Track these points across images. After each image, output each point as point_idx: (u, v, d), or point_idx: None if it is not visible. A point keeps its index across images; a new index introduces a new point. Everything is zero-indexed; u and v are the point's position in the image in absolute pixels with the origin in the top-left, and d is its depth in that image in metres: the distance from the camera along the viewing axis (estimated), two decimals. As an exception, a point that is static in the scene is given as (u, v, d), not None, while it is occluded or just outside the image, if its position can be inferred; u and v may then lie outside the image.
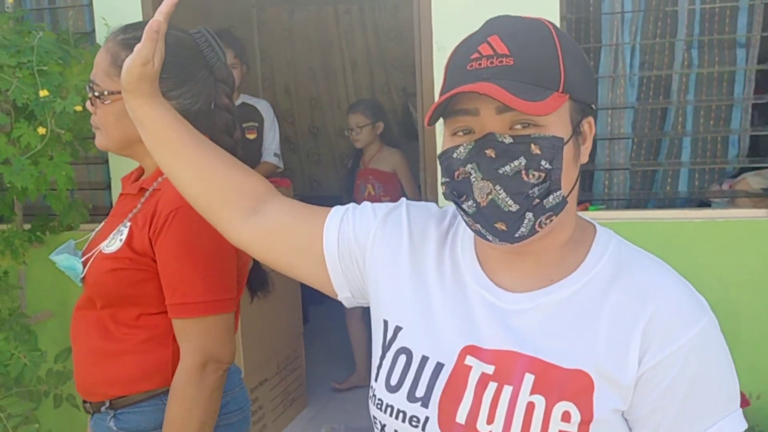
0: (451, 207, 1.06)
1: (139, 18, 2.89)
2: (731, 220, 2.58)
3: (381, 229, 1.07)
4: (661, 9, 2.68)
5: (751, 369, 2.53)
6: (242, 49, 3.65)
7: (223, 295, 1.47)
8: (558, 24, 2.60)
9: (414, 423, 0.94)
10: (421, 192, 2.91)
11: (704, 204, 2.75)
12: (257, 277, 1.70)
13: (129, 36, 1.51)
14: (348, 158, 5.79)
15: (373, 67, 5.59)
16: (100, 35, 2.89)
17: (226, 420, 1.60)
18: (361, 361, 4.06)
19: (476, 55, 0.91)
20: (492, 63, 0.90)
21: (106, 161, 3.07)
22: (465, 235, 1.04)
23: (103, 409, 1.55)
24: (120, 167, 2.99)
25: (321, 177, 5.89)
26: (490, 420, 0.91)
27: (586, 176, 2.83)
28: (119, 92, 1.45)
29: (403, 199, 1.15)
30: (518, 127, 0.90)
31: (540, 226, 0.92)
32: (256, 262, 1.68)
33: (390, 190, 3.92)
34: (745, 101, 2.64)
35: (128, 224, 1.51)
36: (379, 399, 0.99)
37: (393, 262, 1.05)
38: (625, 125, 2.78)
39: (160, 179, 1.53)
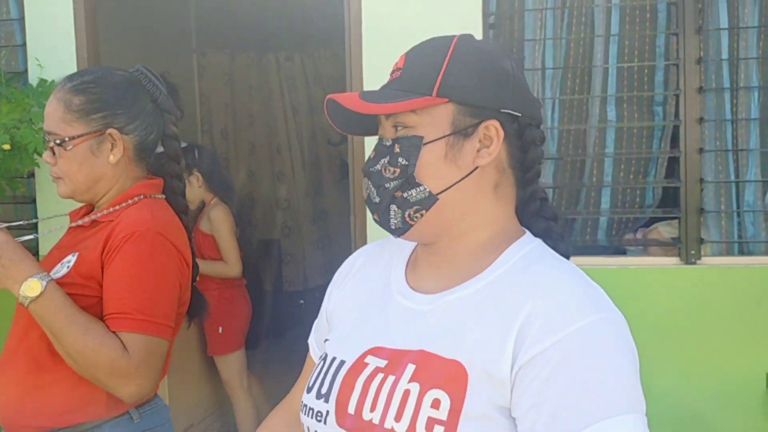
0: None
1: (73, 59, 2.91)
2: (644, 268, 2.71)
3: (329, 295, 1.20)
4: (579, 66, 2.84)
5: (660, 412, 2.62)
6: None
7: (163, 320, 1.50)
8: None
9: (318, 418, 1.01)
10: (352, 234, 2.96)
11: (620, 251, 2.88)
12: (196, 302, 1.73)
13: (77, 82, 1.61)
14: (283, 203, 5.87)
15: (314, 114, 5.69)
16: (33, 75, 2.90)
17: None
18: None
19: (392, 68, 1.05)
20: (392, 77, 1.04)
21: (34, 200, 3.04)
22: (401, 256, 1.13)
23: None
24: (47, 206, 2.98)
25: (257, 221, 5.90)
26: (373, 408, 0.95)
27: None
28: (80, 136, 1.54)
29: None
30: (399, 128, 1.00)
31: (411, 219, 1.00)
32: (194, 288, 1.72)
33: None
34: (660, 155, 2.80)
35: (76, 254, 1.55)
36: (303, 403, 1.06)
37: (341, 296, 1.17)
38: (546, 175, 2.90)
39: (113, 208, 1.58)
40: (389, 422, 0.92)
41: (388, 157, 1.00)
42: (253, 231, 5.62)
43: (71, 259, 1.56)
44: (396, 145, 0.99)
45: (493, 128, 0.99)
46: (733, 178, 2.71)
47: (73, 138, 1.57)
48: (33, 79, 2.88)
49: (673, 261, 2.71)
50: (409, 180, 0.98)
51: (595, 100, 2.84)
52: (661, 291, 2.68)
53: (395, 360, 0.98)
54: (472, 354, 0.92)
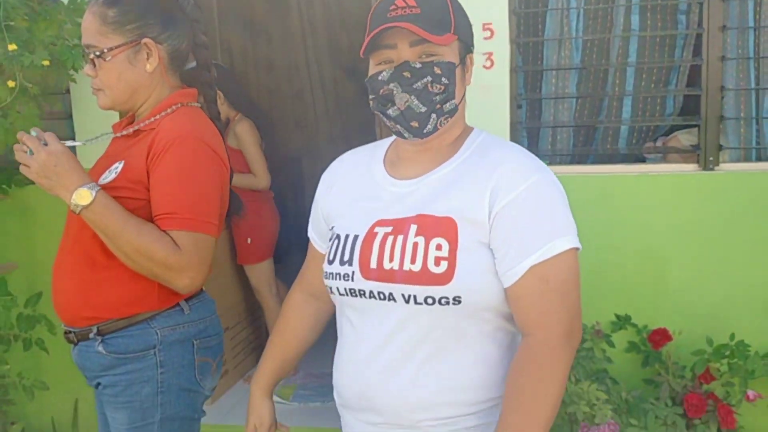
0: (362, 147, 1.52)
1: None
2: (663, 174, 2.79)
3: (323, 197, 1.52)
4: (604, -24, 2.86)
5: (676, 309, 2.77)
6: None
7: (208, 218, 1.61)
8: (508, -12, 2.77)
9: (346, 278, 1.34)
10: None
11: (640, 160, 2.97)
12: (232, 202, 1.85)
13: None
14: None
15: (333, 29, 5.67)
16: (65, -9, 2.94)
17: (206, 343, 1.76)
18: None
19: (394, 6, 1.28)
20: (405, 12, 1.27)
21: (70, 116, 3.14)
22: (378, 155, 1.46)
23: (90, 335, 1.68)
24: (83, 122, 3.08)
25: (278, 139, 5.98)
26: (392, 259, 1.28)
27: (533, 133, 3.01)
28: (117, 47, 1.62)
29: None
30: (424, 56, 1.28)
31: (440, 124, 1.32)
32: (230, 190, 1.84)
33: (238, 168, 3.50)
34: (683, 63, 2.84)
35: (122, 162, 1.65)
36: (327, 272, 1.39)
37: (334, 195, 1.48)
38: (570, 85, 2.96)
39: (154, 118, 1.68)
40: (407, 266, 1.26)
41: (430, 77, 1.28)
42: (275, 149, 5.71)
43: (118, 166, 1.67)
44: (435, 68, 1.28)
45: (469, 59, 1.36)
46: (753, 85, 2.76)
47: (111, 49, 1.66)
48: (64, -6, 2.93)
49: (691, 167, 2.80)
50: (449, 95, 1.30)
51: (620, 9, 2.86)
52: (680, 196, 2.77)
53: (398, 225, 1.31)
54: (458, 210, 1.28)
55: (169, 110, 1.69)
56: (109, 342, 1.67)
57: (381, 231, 1.32)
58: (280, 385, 3.69)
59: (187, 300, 1.74)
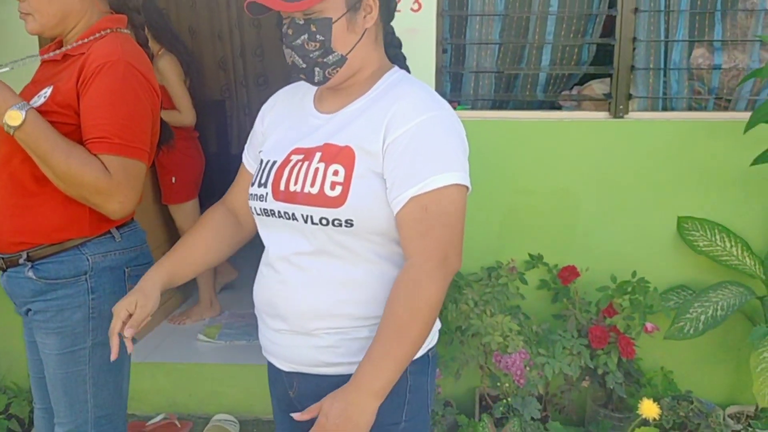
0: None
1: None
2: (577, 121, 2.94)
3: (260, 122, 1.62)
4: (528, -75, 2.93)
5: (585, 248, 2.96)
6: None
7: (139, 144, 1.63)
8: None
9: (261, 199, 1.46)
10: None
11: (556, 107, 3.10)
12: (163, 131, 1.86)
13: None
14: None
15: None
16: None
17: (137, 272, 1.79)
18: (206, 293, 3.90)
19: None
20: None
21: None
22: (309, 90, 1.55)
23: (20, 261, 1.69)
24: (2, 48, 2.97)
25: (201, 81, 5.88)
26: (296, 182, 1.39)
27: (457, 77, 3.10)
28: None
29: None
30: (306, 13, 1.37)
31: (329, 74, 1.42)
32: (161, 120, 1.85)
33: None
34: (599, 14, 2.97)
35: (51, 86, 1.64)
36: (250, 193, 1.50)
37: (270, 124, 1.58)
38: (493, 33, 3.04)
39: (82, 41, 1.66)
40: (307, 188, 1.37)
41: (306, 35, 1.37)
42: (199, 90, 5.62)
43: (47, 91, 1.66)
44: (311, 25, 1.37)
45: (370, 2, 1.41)
46: (663, 37, 2.92)
47: None
48: None
49: (603, 115, 2.95)
50: (327, 50, 1.39)
51: (542, -41, 2.95)
52: (592, 142, 2.92)
53: (308, 154, 1.42)
54: (356, 139, 1.38)
55: (98, 35, 1.68)
56: (39, 267, 1.68)
57: (295, 158, 1.43)
58: (205, 325, 3.74)
59: (118, 228, 1.77)
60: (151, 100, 1.70)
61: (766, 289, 2.82)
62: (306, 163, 1.40)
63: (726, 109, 2.97)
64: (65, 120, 1.62)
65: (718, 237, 2.88)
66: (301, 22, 1.37)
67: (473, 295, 2.78)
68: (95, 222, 1.71)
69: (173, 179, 3.68)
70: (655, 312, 2.78)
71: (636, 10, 2.86)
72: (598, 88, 3.03)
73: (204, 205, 3.86)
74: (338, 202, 1.34)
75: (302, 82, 1.55)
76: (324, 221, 1.36)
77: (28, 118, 1.55)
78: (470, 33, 3.03)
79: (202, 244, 1.61)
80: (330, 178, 1.35)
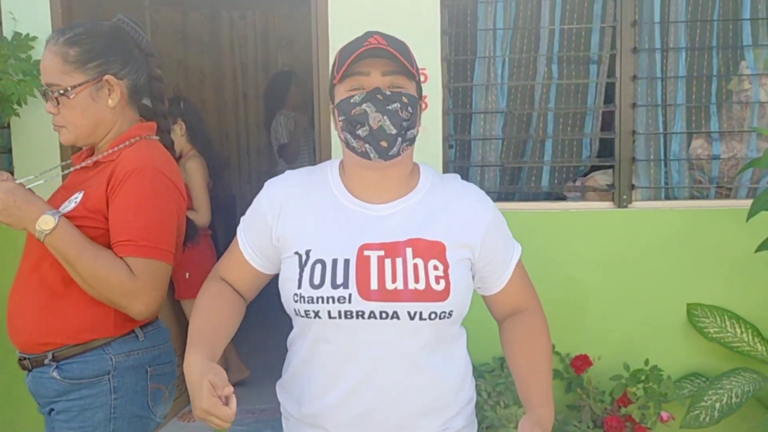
0: (306, 168, 1.58)
1: (46, 10, 3.00)
2: (582, 211, 3.02)
3: (275, 219, 1.49)
4: (527, 28, 3.10)
5: (596, 337, 2.97)
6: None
7: (164, 245, 1.69)
8: (439, 37, 2.96)
9: (342, 300, 1.38)
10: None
11: (561, 198, 3.19)
12: (188, 230, 1.92)
13: (70, 35, 1.75)
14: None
15: (260, 72, 5.81)
16: (7, 29, 2.99)
17: (159, 370, 1.81)
18: (233, 357, 3.98)
19: (367, 43, 1.39)
20: (380, 47, 1.38)
21: (9, 151, 3.14)
22: (332, 179, 1.51)
23: (45, 361, 1.72)
24: (22, 157, 3.09)
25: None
26: (394, 280, 1.38)
27: (463, 171, 3.19)
28: (80, 84, 1.70)
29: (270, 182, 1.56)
30: (393, 87, 1.40)
31: (403, 150, 1.42)
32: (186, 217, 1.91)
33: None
34: (596, 110, 3.09)
35: (82, 192, 1.71)
36: (309, 296, 1.39)
37: (290, 217, 1.48)
38: (496, 128, 3.16)
39: (113, 150, 1.75)
40: (411, 285, 1.38)
41: (398, 104, 1.39)
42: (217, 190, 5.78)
43: (78, 197, 1.73)
44: (403, 97, 1.39)
45: (423, 103, 1.55)
46: (661, 130, 3.03)
47: (74, 87, 1.72)
48: (7, 32, 2.97)
49: (607, 205, 3.03)
50: (413, 123, 1.42)
51: (541, 59, 3.10)
52: (597, 231, 2.99)
53: (390, 249, 1.41)
54: (446, 234, 1.44)
55: (128, 143, 1.76)
56: (63, 368, 1.71)
57: (373, 254, 1.40)
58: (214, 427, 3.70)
59: (141, 327, 1.80)
60: (177, 203, 1.77)
61: (779, 374, 2.82)
62: (399, 260, 1.39)
63: (728, 197, 3.05)
64: (94, 224, 1.68)
65: (728, 323, 2.89)
66: (389, 92, 1.39)
67: (486, 387, 2.78)
68: (120, 322, 1.74)
69: (187, 275, 3.73)
70: (669, 401, 2.77)
71: (634, 104, 2.97)
72: (600, 179, 3.12)
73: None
74: (444, 295, 1.39)
75: (302, 174, 1.53)
76: (433, 315, 1.38)
77: (59, 224, 1.62)
78: (474, 129, 3.15)
79: (226, 318, 1.51)
80: (432, 273, 1.39)
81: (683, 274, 2.96)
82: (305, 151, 4.82)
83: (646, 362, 2.83)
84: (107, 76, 1.74)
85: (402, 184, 1.48)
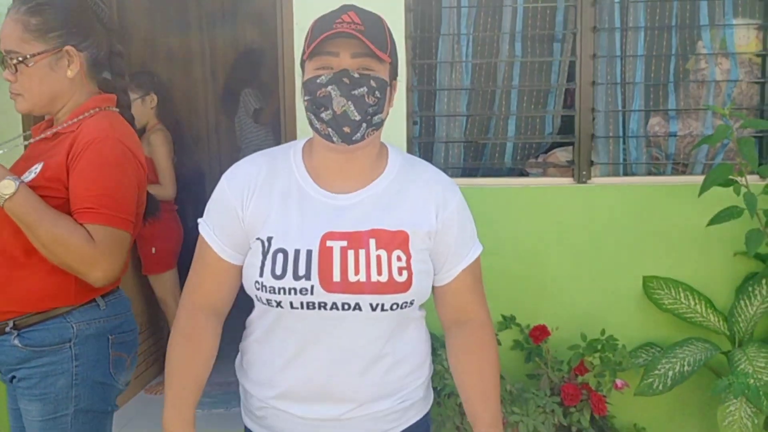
0: (267, 151, 1.54)
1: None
2: (543, 187, 3.08)
3: (242, 206, 1.46)
4: (490, 5, 3.13)
5: (555, 308, 3.05)
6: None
7: (124, 214, 1.71)
8: (403, 15, 2.99)
9: (304, 292, 1.38)
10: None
11: (523, 174, 3.25)
12: (149, 203, 1.94)
13: (32, 4, 1.76)
14: None
15: (228, 52, 5.78)
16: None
17: (121, 339, 1.85)
18: None
19: (340, 20, 1.35)
20: (351, 27, 1.34)
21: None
22: (296, 166, 1.48)
23: (7, 329, 1.74)
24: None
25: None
26: (357, 272, 1.38)
27: (428, 147, 3.24)
28: (40, 53, 1.71)
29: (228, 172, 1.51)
30: (362, 69, 1.36)
31: (367, 135, 1.40)
32: (147, 192, 1.93)
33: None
34: (558, 88, 3.15)
35: (42, 163, 1.73)
36: (270, 286, 1.39)
37: (254, 203, 1.45)
38: (461, 105, 3.21)
39: (72, 121, 1.76)
40: (374, 277, 1.38)
41: (365, 88, 1.35)
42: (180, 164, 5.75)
43: (37, 167, 1.75)
44: (371, 81, 1.36)
45: (394, 83, 1.46)
46: (620, 108, 3.10)
47: (33, 55, 1.74)
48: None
49: (567, 181, 3.10)
50: (379, 108, 1.39)
51: (505, 37, 3.14)
52: (557, 206, 3.05)
53: (353, 239, 1.40)
54: (409, 223, 1.44)
55: (87, 114, 1.78)
56: (24, 335, 1.73)
57: (336, 245, 1.39)
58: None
59: (103, 296, 1.83)
60: (137, 174, 1.79)
61: (730, 344, 2.92)
62: (362, 252, 1.39)
63: (684, 173, 3.13)
64: (54, 194, 1.70)
65: (682, 295, 2.99)
66: (357, 75, 1.34)
67: (447, 355, 2.84)
68: (81, 291, 1.77)
69: (153, 250, 3.74)
70: (624, 369, 2.86)
71: (593, 83, 3.04)
72: (561, 155, 3.18)
73: (183, 275, 3.92)
74: (406, 286, 1.40)
75: (266, 157, 1.49)
76: (395, 306, 1.40)
77: (19, 189, 1.64)
78: (439, 106, 3.19)
79: (205, 365, 1.50)
80: (395, 264, 1.39)
81: (640, 248, 3.04)
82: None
83: (602, 332, 2.92)
84: (67, 47, 1.76)
85: (368, 167, 1.46)
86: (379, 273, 1.38)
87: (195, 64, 5.90)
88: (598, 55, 3.04)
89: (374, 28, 1.37)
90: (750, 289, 2.91)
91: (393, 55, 1.42)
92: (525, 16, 3.14)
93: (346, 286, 1.38)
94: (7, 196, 1.63)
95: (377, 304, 1.39)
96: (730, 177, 2.68)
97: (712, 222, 2.72)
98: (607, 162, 3.10)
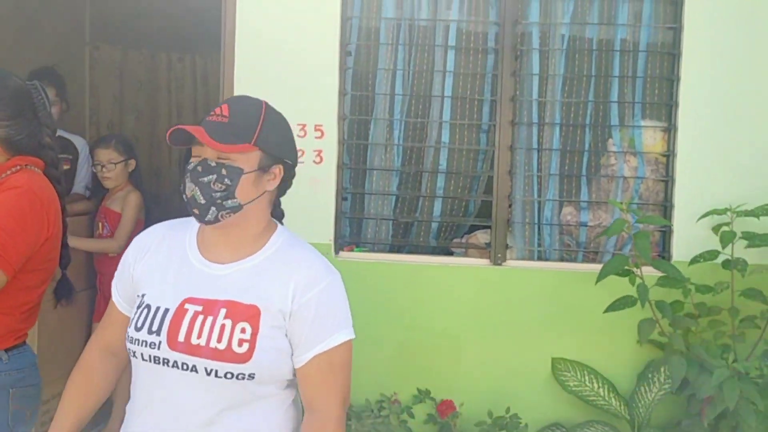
0: (175, 221, 1.70)
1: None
2: (461, 266, 3.26)
3: (133, 263, 1.64)
4: (421, 94, 3.36)
5: (468, 383, 3.18)
6: (63, 87, 3.89)
7: (9, 257, 1.80)
8: (337, 97, 3.21)
9: (153, 346, 1.51)
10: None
11: (448, 252, 3.42)
12: (63, 287, 2.06)
13: None
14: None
15: (198, 113, 6.00)
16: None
17: (22, 392, 1.94)
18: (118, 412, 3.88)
19: (215, 112, 1.55)
20: (217, 119, 1.53)
21: None
22: (189, 236, 1.64)
23: None
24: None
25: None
26: (200, 336, 1.49)
27: (356, 223, 3.41)
28: None
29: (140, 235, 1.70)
30: (219, 158, 1.51)
31: (222, 217, 1.52)
32: (64, 275, 2.05)
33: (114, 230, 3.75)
34: (482, 174, 3.35)
35: None
36: (131, 337, 1.55)
37: (144, 265, 1.62)
38: (391, 185, 3.40)
39: (5, 174, 1.91)
40: (213, 344, 1.48)
41: (215, 176, 1.50)
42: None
43: None
44: (223, 169, 1.50)
45: (279, 169, 1.58)
46: (536, 196, 3.31)
47: None
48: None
49: (484, 262, 3.28)
50: (229, 194, 1.51)
51: (434, 124, 3.36)
52: (474, 286, 3.23)
53: (208, 306, 1.52)
54: (263, 300, 1.52)
55: (9, 172, 1.92)
56: None
57: (191, 308, 1.51)
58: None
59: (6, 349, 1.94)
60: (40, 226, 1.88)
61: (630, 428, 3.06)
62: (210, 318, 1.49)
63: (594, 261, 3.32)
64: None
65: (587, 378, 3.14)
66: (213, 164, 1.49)
67: (358, 427, 2.96)
68: None
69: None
70: (526, 448, 2.98)
71: (509, 171, 3.25)
72: (482, 237, 3.37)
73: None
74: (245, 358, 1.46)
75: (173, 224, 1.68)
76: (229, 375, 1.47)
77: None
78: (368, 184, 3.38)
79: (93, 397, 1.69)
80: (237, 335, 1.47)
81: (550, 330, 3.20)
82: None
83: (507, 410, 3.05)
84: None
85: (245, 243, 1.58)
86: (219, 340, 1.47)
87: (161, 122, 6.10)
88: (516, 147, 3.27)
89: (242, 119, 1.53)
90: (650, 375, 3.06)
91: (266, 143, 1.53)
92: (453, 106, 3.36)
93: (186, 347, 1.48)
94: None
95: (211, 369, 1.47)
96: (626, 267, 2.86)
97: (608, 309, 2.90)
98: (522, 246, 3.29)
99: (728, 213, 2.97)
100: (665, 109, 3.27)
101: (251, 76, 3.20)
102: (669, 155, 3.24)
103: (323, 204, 3.22)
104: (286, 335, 1.53)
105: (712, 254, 2.96)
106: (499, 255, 3.24)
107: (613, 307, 2.88)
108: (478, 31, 3.35)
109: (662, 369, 3.03)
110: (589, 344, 3.19)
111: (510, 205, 3.27)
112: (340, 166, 3.27)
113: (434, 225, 3.42)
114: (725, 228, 2.95)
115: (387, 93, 3.35)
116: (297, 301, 1.52)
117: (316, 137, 3.22)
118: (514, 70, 3.25)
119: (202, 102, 6.01)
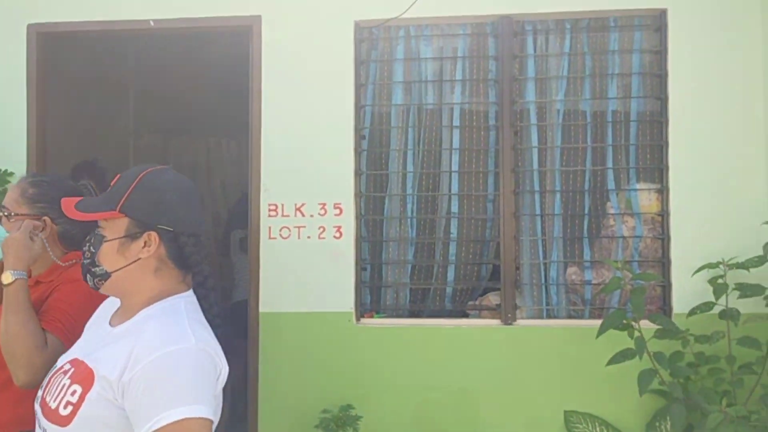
0: None
1: (23, 152, 3.60)
2: (474, 327, 3.50)
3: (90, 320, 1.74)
4: (431, 172, 3.67)
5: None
6: (102, 177, 4.33)
7: (73, 330, 2.01)
8: (353, 177, 3.53)
9: (38, 400, 1.56)
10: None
11: (464, 315, 3.67)
12: None
13: (36, 179, 2.26)
14: None
15: (229, 192, 6.41)
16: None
17: None
18: None
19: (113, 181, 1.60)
20: (108, 188, 1.60)
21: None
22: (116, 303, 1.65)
23: None
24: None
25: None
26: (54, 399, 1.48)
27: (376, 291, 3.69)
28: (23, 214, 2.19)
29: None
30: (99, 226, 1.58)
31: (96, 284, 1.57)
32: None
33: None
34: (490, 240, 3.62)
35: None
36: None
37: (86, 324, 1.72)
38: (408, 254, 3.68)
39: (52, 276, 2.20)
40: (52, 403, 1.48)
41: (88, 244, 1.59)
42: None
43: None
44: (93, 237, 1.58)
45: (151, 236, 1.53)
46: (541, 259, 3.55)
47: (17, 214, 2.22)
48: (-8, 167, 3.56)
49: (495, 322, 3.51)
50: (93, 261, 1.57)
51: (444, 198, 3.66)
52: (486, 345, 3.46)
53: (73, 365, 1.52)
54: (100, 366, 1.45)
55: (65, 265, 2.22)
56: None
57: (67, 367, 1.52)
58: None
59: None
60: (94, 305, 2.05)
61: (643, 477, 3.22)
62: (62, 377, 1.50)
63: (600, 317, 3.52)
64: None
65: (598, 429, 3.31)
66: (97, 233, 1.57)
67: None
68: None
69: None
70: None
71: (515, 237, 3.51)
72: (493, 298, 3.61)
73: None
74: (65, 421, 1.42)
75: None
76: None
77: (17, 280, 2.00)
78: (386, 254, 3.67)
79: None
80: (67, 396, 1.44)
81: (561, 384, 3.40)
82: None
83: (524, 462, 3.24)
84: (45, 217, 2.26)
85: (131, 310, 1.55)
86: (55, 399, 1.48)
87: (206, 202, 6.53)
88: (520, 214, 3.54)
89: (117, 187, 1.56)
90: (657, 424, 3.23)
91: (135, 211, 1.51)
92: (461, 179, 3.66)
93: (42, 403, 1.53)
94: (5, 284, 2.01)
95: (45, 429, 1.49)
96: (625, 322, 3.08)
97: (609, 363, 3.10)
98: (531, 306, 3.52)
99: (721, 266, 3.17)
100: (657, 172, 3.52)
101: (274, 160, 3.56)
102: (663, 215, 3.48)
103: (344, 275, 3.51)
104: (125, 410, 1.40)
105: (708, 305, 3.16)
106: (509, 315, 3.48)
107: (614, 360, 3.08)
108: (479, 111, 3.67)
109: (668, 417, 3.19)
110: (599, 396, 3.37)
111: (517, 268, 3.52)
112: (359, 239, 3.57)
113: (448, 289, 3.67)
114: (720, 280, 3.16)
115: (399, 171, 3.67)
116: (128, 373, 1.39)
117: (335, 214, 3.54)
118: (513, 144, 3.55)
119: (233, 182, 6.43)
